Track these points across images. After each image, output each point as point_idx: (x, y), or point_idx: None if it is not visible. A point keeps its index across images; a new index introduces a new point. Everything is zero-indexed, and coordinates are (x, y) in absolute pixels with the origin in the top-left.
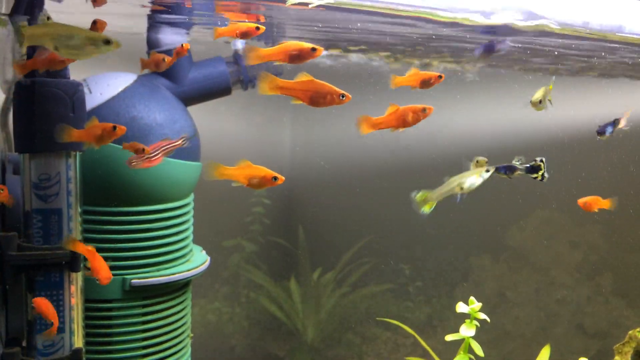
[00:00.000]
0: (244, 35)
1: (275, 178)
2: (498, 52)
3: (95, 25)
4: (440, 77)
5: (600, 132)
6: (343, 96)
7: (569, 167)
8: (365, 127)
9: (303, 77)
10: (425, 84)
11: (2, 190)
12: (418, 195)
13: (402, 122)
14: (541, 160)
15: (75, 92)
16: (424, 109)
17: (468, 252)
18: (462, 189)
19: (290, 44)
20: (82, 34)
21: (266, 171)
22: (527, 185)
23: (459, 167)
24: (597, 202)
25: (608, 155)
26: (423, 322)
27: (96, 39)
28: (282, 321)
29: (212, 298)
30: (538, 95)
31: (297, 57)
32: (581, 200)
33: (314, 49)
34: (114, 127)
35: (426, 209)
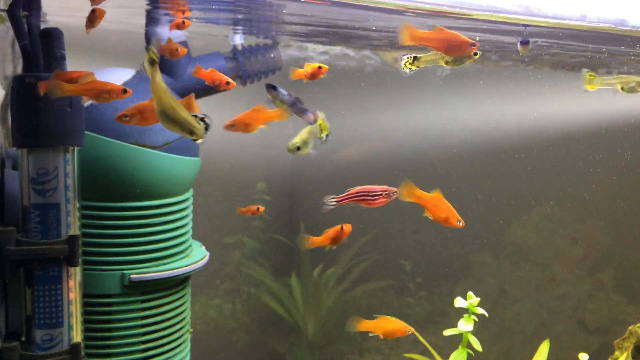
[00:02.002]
0: (312, 76)
1: (459, 222)
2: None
3: (94, 14)
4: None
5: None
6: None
7: (570, 163)
8: (406, 36)
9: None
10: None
11: None
12: (587, 74)
13: (446, 46)
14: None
15: None
16: (473, 44)
17: (469, 249)
18: (622, 88)
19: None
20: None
21: (453, 214)
22: (528, 181)
23: (462, 164)
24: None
25: (610, 151)
26: (424, 318)
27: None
28: (283, 317)
29: (213, 294)
30: (296, 139)
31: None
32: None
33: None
34: (124, 90)
35: (588, 88)
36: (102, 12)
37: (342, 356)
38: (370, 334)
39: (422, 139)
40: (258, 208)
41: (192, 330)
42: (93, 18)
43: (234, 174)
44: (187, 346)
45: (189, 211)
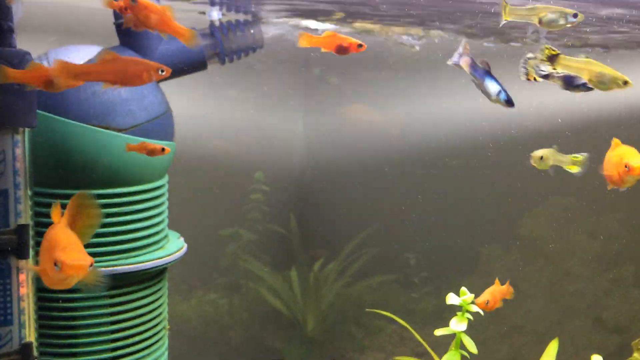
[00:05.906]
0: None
1: None
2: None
3: None
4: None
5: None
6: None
7: (589, 151)
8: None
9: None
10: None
11: None
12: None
13: None
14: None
15: (20, 62)
16: None
17: (477, 241)
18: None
19: None
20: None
21: None
22: (541, 171)
23: (473, 152)
24: None
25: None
26: (430, 314)
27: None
28: (281, 312)
29: (209, 289)
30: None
31: None
32: None
33: None
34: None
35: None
36: None
37: (343, 354)
38: None
39: (433, 129)
40: (163, 149)
41: (169, 327)
42: None
43: (231, 164)
44: (164, 344)
45: (163, 199)
